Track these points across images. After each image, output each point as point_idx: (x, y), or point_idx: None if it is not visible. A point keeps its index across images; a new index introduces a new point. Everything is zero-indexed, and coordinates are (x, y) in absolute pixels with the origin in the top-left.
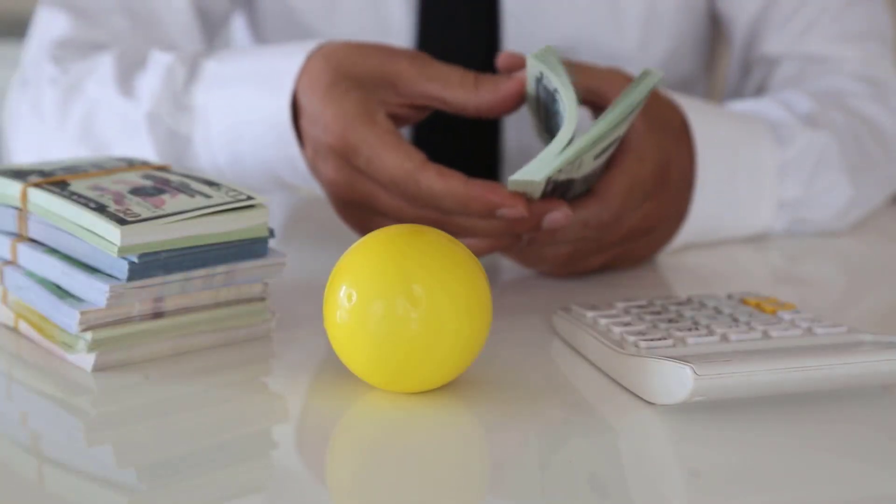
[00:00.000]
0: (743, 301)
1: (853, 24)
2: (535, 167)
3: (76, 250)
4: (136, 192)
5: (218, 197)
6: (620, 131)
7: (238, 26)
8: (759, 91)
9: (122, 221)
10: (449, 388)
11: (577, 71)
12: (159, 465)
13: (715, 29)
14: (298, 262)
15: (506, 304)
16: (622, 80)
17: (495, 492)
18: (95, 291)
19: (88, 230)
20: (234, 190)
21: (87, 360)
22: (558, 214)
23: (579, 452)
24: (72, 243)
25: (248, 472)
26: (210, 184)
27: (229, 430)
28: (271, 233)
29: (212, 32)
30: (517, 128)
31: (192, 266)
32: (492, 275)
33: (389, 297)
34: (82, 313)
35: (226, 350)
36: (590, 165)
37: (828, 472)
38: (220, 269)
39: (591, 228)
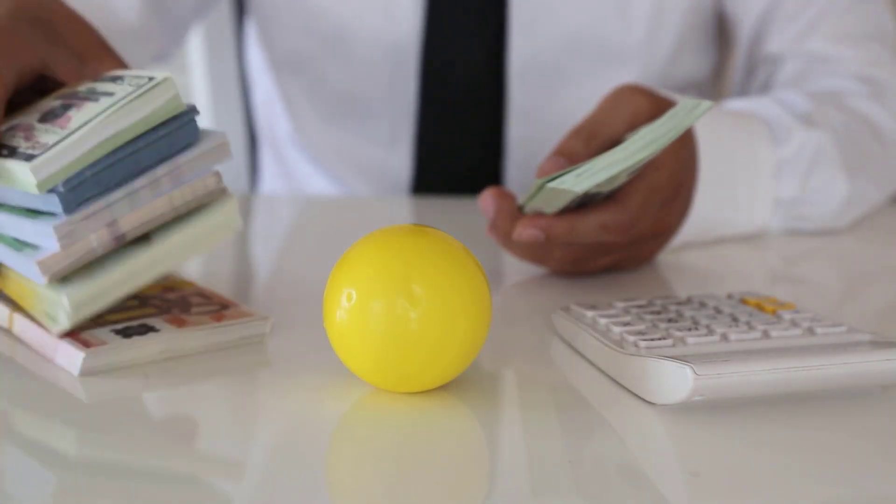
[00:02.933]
0: (743, 301)
1: (856, 24)
2: (574, 179)
3: (14, 198)
4: (45, 118)
5: (121, 91)
6: (658, 152)
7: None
8: (763, 90)
9: (29, 158)
10: (449, 388)
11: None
12: (157, 466)
13: (722, 35)
14: (298, 262)
15: (506, 304)
16: (627, 92)
17: (494, 492)
18: (45, 237)
19: (11, 178)
20: (137, 76)
21: (74, 365)
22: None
23: (579, 452)
24: (8, 193)
25: (248, 471)
26: (113, 79)
27: (228, 430)
28: (194, 109)
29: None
30: (521, 120)
31: (128, 174)
32: (492, 275)
33: (389, 296)
34: (40, 262)
35: (221, 352)
36: (621, 180)
37: (828, 472)
38: (162, 170)
39: (609, 232)
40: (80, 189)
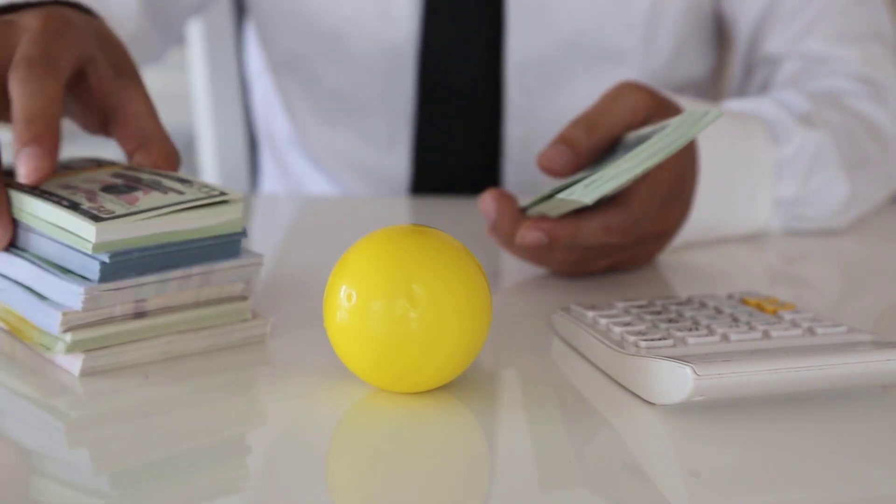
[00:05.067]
0: (743, 301)
1: (855, 24)
2: (583, 190)
3: (47, 251)
4: (108, 189)
5: (191, 193)
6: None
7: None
8: (762, 91)
9: (96, 218)
10: (449, 388)
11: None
12: (155, 467)
13: (721, 36)
14: (298, 262)
15: (506, 304)
16: (628, 88)
17: (495, 492)
18: (70, 294)
19: (62, 228)
20: (207, 186)
21: (74, 366)
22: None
23: (579, 452)
24: (42, 244)
25: (248, 471)
26: (182, 181)
27: (228, 430)
28: (244, 232)
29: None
30: (519, 120)
31: (166, 266)
32: (492, 275)
33: (389, 296)
34: (64, 314)
35: (222, 353)
36: (627, 185)
37: (828, 472)
38: (196, 269)
39: (612, 234)
40: (121, 266)
